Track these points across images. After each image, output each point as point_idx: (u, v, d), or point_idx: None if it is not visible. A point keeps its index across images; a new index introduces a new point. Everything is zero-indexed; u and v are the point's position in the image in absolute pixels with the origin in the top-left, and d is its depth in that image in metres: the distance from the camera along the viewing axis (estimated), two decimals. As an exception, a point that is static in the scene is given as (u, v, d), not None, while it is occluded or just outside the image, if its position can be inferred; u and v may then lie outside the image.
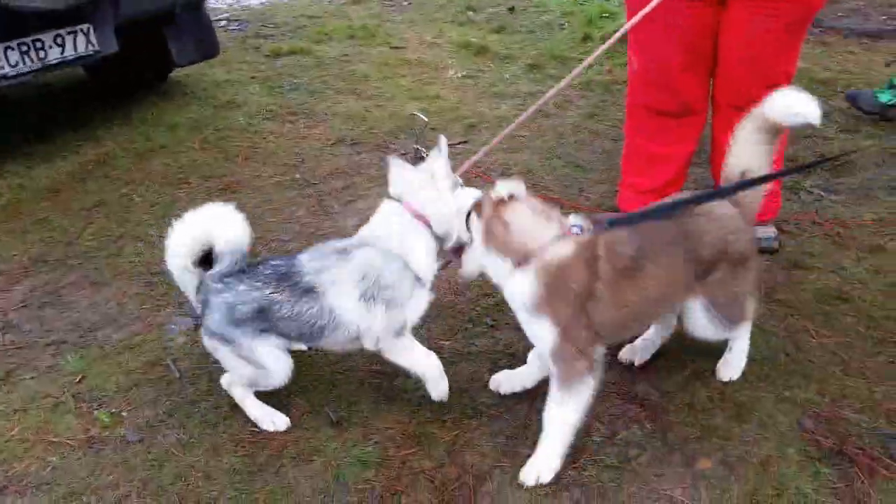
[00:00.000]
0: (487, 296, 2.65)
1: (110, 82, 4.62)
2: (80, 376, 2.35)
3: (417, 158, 3.63)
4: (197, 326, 2.55)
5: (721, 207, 2.07)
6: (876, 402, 2.13)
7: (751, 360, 2.26)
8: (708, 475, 1.92)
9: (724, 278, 2.04)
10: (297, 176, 3.64)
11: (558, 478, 1.93)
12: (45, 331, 2.58)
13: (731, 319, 2.12)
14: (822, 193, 3.31)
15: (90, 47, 3.59)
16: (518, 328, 2.21)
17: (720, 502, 1.85)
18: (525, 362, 2.23)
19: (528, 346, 2.16)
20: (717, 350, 2.26)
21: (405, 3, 6.89)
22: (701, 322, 2.09)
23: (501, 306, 2.59)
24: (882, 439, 2.00)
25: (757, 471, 1.93)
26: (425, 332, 2.48)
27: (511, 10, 6.51)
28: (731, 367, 2.24)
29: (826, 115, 3.98)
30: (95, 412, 2.20)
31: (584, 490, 1.91)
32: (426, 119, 3.87)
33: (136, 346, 2.49)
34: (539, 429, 2.00)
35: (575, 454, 1.99)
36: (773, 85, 2.63)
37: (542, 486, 1.91)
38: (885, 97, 3.98)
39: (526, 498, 1.89)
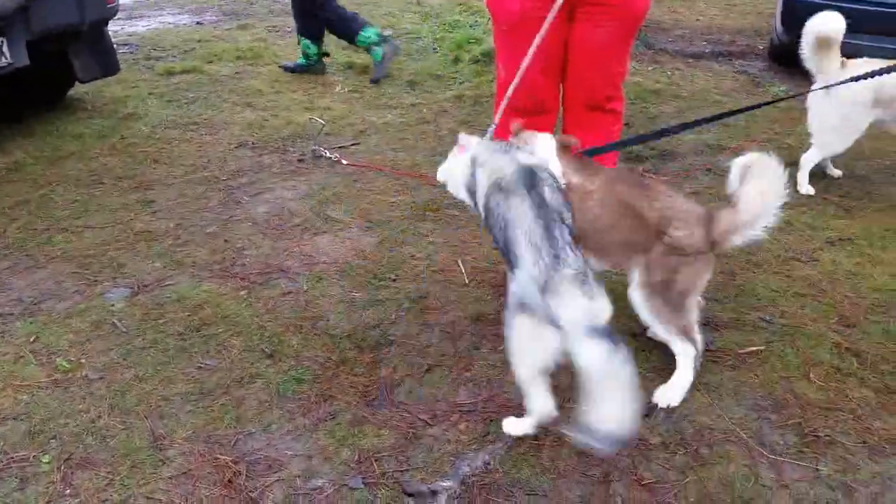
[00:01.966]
0: (391, 255, 3.17)
1: (5, 99, 4.78)
2: (33, 337, 2.65)
3: (316, 157, 4.16)
4: (134, 294, 2.91)
5: (689, 203, 2.42)
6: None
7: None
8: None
9: (666, 262, 2.31)
10: (206, 174, 4.02)
11: (455, 378, 2.46)
12: (-11, 306, 2.86)
13: (666, 315, 2.34)
14: (653, 175, 4.08)
15: (3, 59, 3.84)
16: (415, 280, 2.74)
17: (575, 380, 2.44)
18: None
19: (424, 295, 2.69)
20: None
21: (288, 30, 7.34)
22: (637, 295, 2.37)
23: (401, 265, 3.12)
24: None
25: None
26: (339, 287, 2.97)
27: (384, 39, 7.10)
28: (669, 391, 2.36)
29: (656, 117, 4.84)
30: (56, 361, 2.52)
31: (476, 382, 2.45)
32: (323, 122, 4.37)
33: (80, 312, 2.80)
34: (441, 351, 2.55)
35: (468, 361, 2.53)
36: (614, 83, 3.35)
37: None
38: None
39: (427, 391, 2.40)
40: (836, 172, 4.10)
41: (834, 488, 2.05)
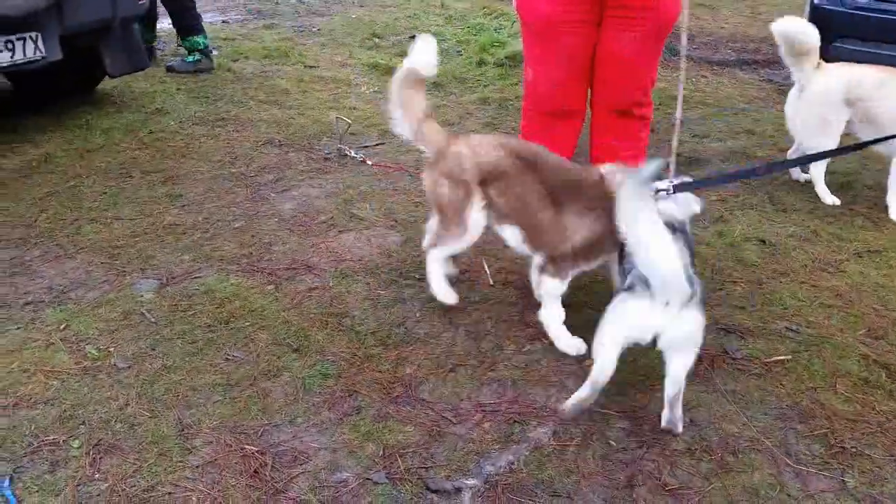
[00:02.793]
0: (416, 255, 3.18)
1: (35, 92, 4.85)
2: (63, 325, 2.68)
3: (342, 156, 4.19)
4: (163, 285, 2.95)
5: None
6: (714, 321, 2.80)
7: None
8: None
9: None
10: (233, 170, 4.06)
11: (478, 378, 2.47)
12: (20, 293, 2.88)
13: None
14: (678, 182, 4.06)
15: (38, 53, 3.90)
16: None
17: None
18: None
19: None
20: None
21: (314, 29, 7.41)
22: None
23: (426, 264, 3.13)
24: (720, 342, 2.67)
25: (629, 365, 2.52)
26: (364, 284, 2.98)
27: (413, 38, 7.14)
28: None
29: (680, 124, 4.82)
30: (85, 349, 2.55)
31: (500, 383, 2.45)
32: (349, 121, 4.40)
33: (109, 302, 2.84)
34: (465, 351, 2.56)
35: (492, 361, 2.54)
36: (644, 88, 3.35)
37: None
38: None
39: (450, 390, 2.41)
40: (804, 177, 4.11)
41: (860, 500, 2.04)
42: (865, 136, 3.75)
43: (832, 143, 3.81)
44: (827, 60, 3.94)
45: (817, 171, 3.91)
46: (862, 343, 2.69)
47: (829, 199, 3.86)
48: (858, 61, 3.84)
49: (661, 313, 2.12)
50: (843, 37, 5.47)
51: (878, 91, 3.66)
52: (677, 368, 2.21)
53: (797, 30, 3.76)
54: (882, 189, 3.87)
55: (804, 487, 2.08)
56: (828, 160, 3.87)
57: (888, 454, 2.19)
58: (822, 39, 5.80)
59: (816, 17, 5.75)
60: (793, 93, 3.91)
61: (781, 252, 3.31)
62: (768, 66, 6.70)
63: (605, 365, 2.21)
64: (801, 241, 3.42)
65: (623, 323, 2.21)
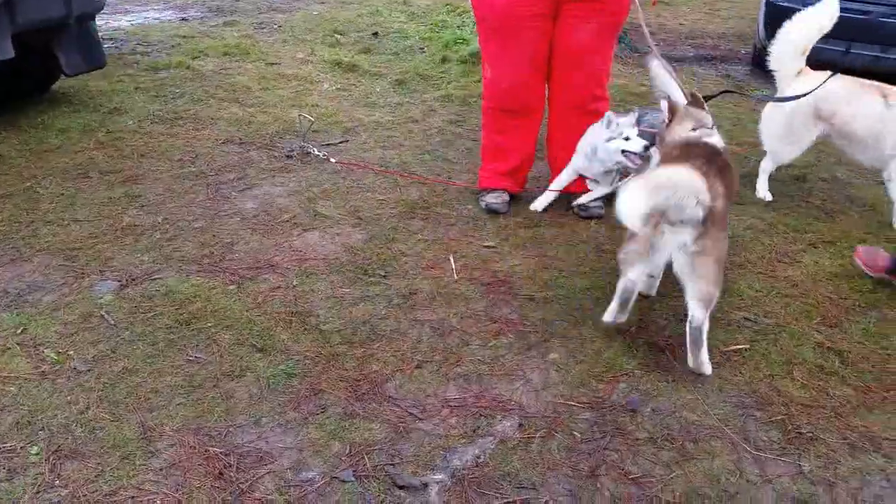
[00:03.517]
0: (381, 252, 3.18)
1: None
2: (20, 329, 2.63)
3: (305, 153, 4.16)
4: (122, 287, 2.90)
5: None
6: (673, 311, 2.85)
7: (584, 287, 2.95)
8: (557, 362, 2.55)
9: None
10: (193, 169, 4.01)
11: (444, 373, 2.48)
12: (-26, 298, 2.83)
13: None
14: (639, 176, 4.12)
15: (-11, 51, 3.81)
16: (405, 276, 2.78)
17: (565, 378, 2.47)
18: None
19: (414, 292, 2.71)
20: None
21: (275, 26, 7.35)
22: None
23: (391, 261, 3.13)
24: (681, 332, 2.71)
25: (592, 357, 2.57)
26: (329, 283, 2.97)
27: (375, 34, 7.13)
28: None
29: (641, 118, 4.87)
30: (44, 353, 2.51)
31: (466, 378, 2.47)
32: (312, 119, 4.37)
33: (68, 304, 2.79)
34: (430, 347, 2.58)
35: (458, 357, 2.56)
36: (599, 82, 3.40)
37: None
38: None
39: (416, 386, 2.42)
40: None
41: (815, 483, 2.09)
42: (848, 152, 3.70)
43: (792, 155, 3.80)
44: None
45: (764, 165, 3.91)
46: (817, 331, 2.76)
47: (762, 193, 3.89)
48: (812, 58, 3.87)
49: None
50: (797, 32, 5.59)
51: (848, 106, 3.56)
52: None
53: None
54: (837, 182, 3.96)
55: (762, 473, 2.13)
56: (783, 162, 3.88)
57: (842, 438, 2.25)
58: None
59: (771, 13, 5.88)
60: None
61: (739, 244, 3.38)
62: (726, 62, 6.82)
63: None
64: (757, 233, 3.50)
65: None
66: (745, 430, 2.28)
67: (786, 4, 5.68)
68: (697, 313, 2.44)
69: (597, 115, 3.51)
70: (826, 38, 3.69)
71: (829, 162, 4.27)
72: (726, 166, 2.68)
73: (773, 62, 3.75)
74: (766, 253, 3.32)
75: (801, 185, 4.08)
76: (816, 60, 3.75)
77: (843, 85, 3.57)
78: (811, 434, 2.26)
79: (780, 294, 3.00)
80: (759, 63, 6.54)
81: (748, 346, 2.66)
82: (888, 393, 2.45)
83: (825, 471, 2.13)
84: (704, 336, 2.47)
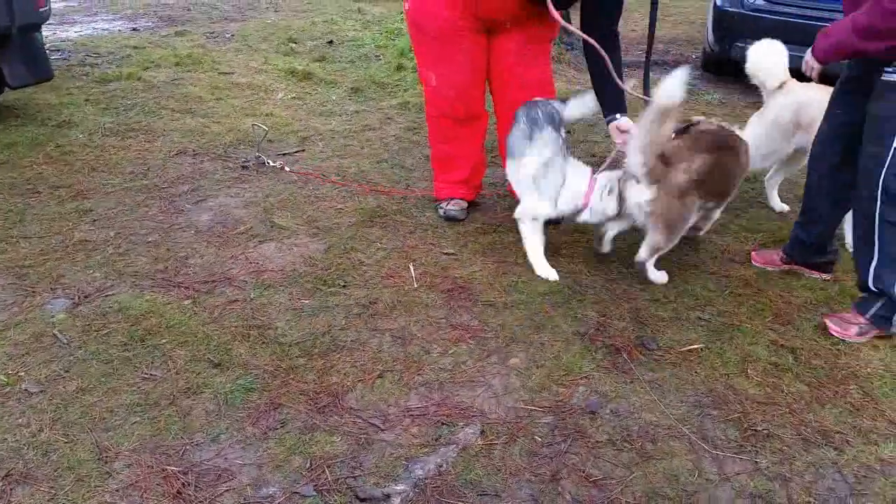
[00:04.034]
0: (339, 262, 3.16)
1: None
2: (-33, 351, 2.56)
3: (260, 164, 4.13)
4: (75, 305, 2.84)
5: None
6: (630, 313, 2.89)
7: (543, 291, 2.98)
8: (517, 367, 2.56)
9: None
10: (146, 182, 3.94)
11: (406, 382, 2.47)
12: (-82, 320, 2.74)
13: None
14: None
15: (-73, 64, 3.70)
16: (364, 286, 2.77)
17: (526, 383, 2.49)
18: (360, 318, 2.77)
19: (374, 301, 2.70)
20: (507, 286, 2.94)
21: (228, 35, 7.27)
22: None
23: (350, 271, 3.12)
24: (636, 336, 2.75)
25: (552, 361, 2.59)
26: (287, 294, 2.95)
27: (330, 43, 7.11)
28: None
29: (595, 125, 4.96)
30: (-8, 375, 2.44)
31: (428, 386, 2.47)
32: (266, 128, 4.34)
33: (18, 324, 2.71)
34: (391, 356, 2.57)
35: (419, 365, 2.55)
36: (540, 84, 3.45)
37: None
38: None
39: (378, 397, 2.41)
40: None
41: (772, 479, 2.14)
42: None
43: (764, 164, 3.70)
44: (728, 61, 4.08)
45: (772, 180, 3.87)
46: (770, 329, 2.82)
47: (777, 207, 3.87)
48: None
49: None
50: (743, 37, 5.74)
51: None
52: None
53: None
54: (786, 182, 4.05)
55: (720, 471, 2.16)
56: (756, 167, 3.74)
57: (796, 433, 2.30)
58: (725, 41, 6.07)
59: (719, 19, 6.02)
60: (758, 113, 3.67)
61: (693, 245, 3.44)
62: (676, 67, 6.93)
63: None
64: (710, 234, 3.56)
65: None
66: (703, 429, 2.32)
67: (732, 10, 5.82)
68: (642, 253, 3.06)
69: None
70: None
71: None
72: (713, 154, 2.95)
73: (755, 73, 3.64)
74: (718, 253, 3.39)
75: (752, 185, 4.17)
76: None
77: (824, 94, 3.39)
78: (767, 431, 2.31)
79: (734, 293, 3.06)
80: (707, 67, 6.69)
81: (704, 346, 2.70)
82: (839, 388, 2.51)
83: (781, 466, 2.18)
84: (647, 270, 3.10)
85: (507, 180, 3.76)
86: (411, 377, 2.51)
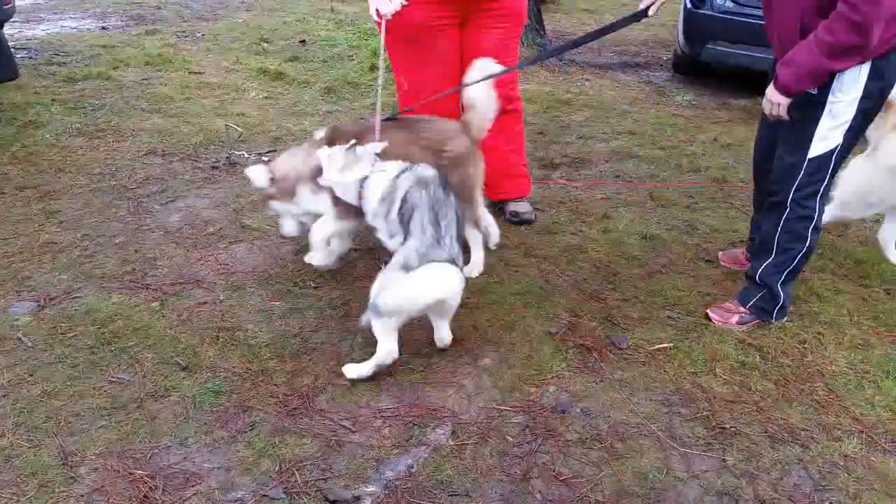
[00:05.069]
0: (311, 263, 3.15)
1: None
2: (-73, 355, 2.51)
3: (231, 164, 4.09)
4: (40, 307, 2.79)
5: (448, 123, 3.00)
6: (601, 313, 2.91)
7: (514, 291, 2.99)
8: (488, 367, 2.57)
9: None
10: (114, 183, 3.88)
11: (377, 384, 2.47)
12: None
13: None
14: (566, 181, 4.20)
15: None
16: (336, 288, 2.76)
17: (497, 383, 2.49)
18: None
19: (345, 302, 2.69)
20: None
21: (199, 35, 7.20)
22: None
23: (321, 272, 3.10)
24: (606, 335, 2.77)
25: (523, 361, 2.60)
26: (258, 296, 2.92)
27: (303, 42, 7.07)
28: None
29: (567, 126, 4.99)
30: (-46, 379, 2.39)
31: (399, 387, 2.46)
32: (240, 130, 4.30)
33: (-19, 328, 2.67)
34: (363, 357, 2.56)
35: (390, 367, 2.54)
36: (511, 82, 3.46)
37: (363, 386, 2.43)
38: None
39: (349, 398, 2.40)
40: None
41: (739, 477, 2.16)
42: None
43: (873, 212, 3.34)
44: (700, 63, 4.08)
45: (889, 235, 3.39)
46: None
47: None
48: (724, 63, 3.82)
49: None
50: (713, 39, 5.81)
51: None
52: None
53: None
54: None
55: (689, 468, 2.19)
56: None
57: (763, 431, 2.33)
58: (695, 43, 6.14)
59: (689, 21, 6.08)
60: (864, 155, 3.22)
61: (662, 245, 3.47)
62: (648, 69, 7.00)
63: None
64: (680, 234, 3.60)
65: None
66: (671, 427, 2.34)
67: (702, 12, 5.88)
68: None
69: (517, 114, 3.58)
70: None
71: (748, 164, 4.42)
72: None
73: None
74: (687, 252, 3.42)
75: (720, 184, 4.22)
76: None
77: None
78: (734, 428, 2.34)
79: (702, 293, 3.09)
80: (678, 69, 6.76)
81: (672, 345, 2.73)
82: (805, 385, 2.55)
83: (748, 463, 2.21)
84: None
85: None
86: (382, 378, 2.50)
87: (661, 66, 7.13)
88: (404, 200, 2.53)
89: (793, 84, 2.45)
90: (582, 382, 2.51)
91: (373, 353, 2.52)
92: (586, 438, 2.27)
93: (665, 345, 2.73)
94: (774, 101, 2.52)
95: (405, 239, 2.50)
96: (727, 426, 2.35)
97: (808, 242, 2.72)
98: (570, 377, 2.53)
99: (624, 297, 3.03)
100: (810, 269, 3.25)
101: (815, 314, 2.96)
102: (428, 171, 2.62)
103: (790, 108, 2.54)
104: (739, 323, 2.84)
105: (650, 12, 2.98)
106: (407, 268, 2.40)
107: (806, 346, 2.77)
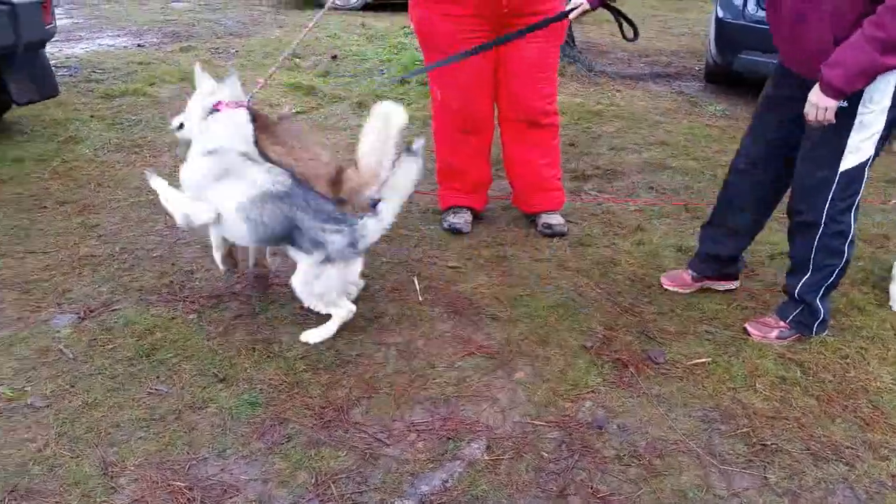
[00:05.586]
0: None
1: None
2: (-27, 366, 2.56)
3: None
4: (80, 320, 2.84)
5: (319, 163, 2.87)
6: (637, 327, 2.88)
7: (548, 305, 2.97)
8: (523, 381, 2.55)
9: None
10: (151, 197, 3.93)
11: (411, 397, 2.47)
12: (-76, 335, 2.74)
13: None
14: (598, 193, 4.17)
15: (-65, 81, 3.72)
16: (369, 300, 2.76)
17: (532, 397, 2.48)
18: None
19: (378, 315, 2.69)
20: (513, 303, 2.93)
21: (233, 51, 7.31)
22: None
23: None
24: (643, 350, 2.74)
25: (558, 375, 2.58)
26: (292, 309, 2.94)
27: (334, 58, 7.15)
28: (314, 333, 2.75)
29: (598, 137, 4.97)
30: (-2, 390, 2.44)
31: (433, 400, 2.46)
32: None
33: (24, 339, 2.71)
34: (396, 370, 2.56)
35: (424, 380, 2.54)
36: (547, 97, 3.45)
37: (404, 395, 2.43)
38: None
39: (383, 411, 2.40)
40: None
41: (781, 495, 2.12)
42: None
43: None
44: (732, 73, 4.08)
45: None
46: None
47: None
48: (757, 73, 3.82)
49: None
50: (746, 49, 5.75)
51: None
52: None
53: None
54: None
55: (729, 486, 2.15)
56: None
57: (805, 448, 2.29)
58: (727, 52, 6.09)
59: (721, 30, 6.03)
60: None
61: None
62: (679, 79, 6.96)
63: None
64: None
65: None
66: (711, 443, 2.30)
67: (734, 22, 5.83)
68: None
69: (553, 129, 3.57)
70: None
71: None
72: None
73: None
74: (724, 266, 3.37)
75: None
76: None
77: None
78: (775, 445, 2.30)
79: (740, 307, 3.05)
80: (711, 79, 6.70)
81: (710, 360, 2.69)
82: (848, 402, 2.49)
83: (790, 482, 2.16)
84: None
85: (511, 192, 3.78)
86: (416, 392, 2.50)
87: (693, 76, 7.08)
88: None
89: (844, 85, 2.34)
90: (618, 397, 2.48)
91: (407, 367, 2.52)
92: (624, 455, 2.24)
93: (703, 360, 2.69)
94: (822, 104, 2.41)
95: None
96: (768, 443, 2.31)
97: (845, 257, 2.68)
98: (607, 392, 2.51)
99: (660, 311, 3.00)
100: (851, 282, 3.19)
101: (857, 328, 2.91)
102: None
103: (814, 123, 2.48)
104: (779, 338, 2.79)
105: (571, 16, 3.05)
106: None
107: (848, 361, 2.71)
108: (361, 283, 2.95)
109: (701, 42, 8.00)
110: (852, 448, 2.29)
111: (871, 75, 2.35)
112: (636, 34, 3.16)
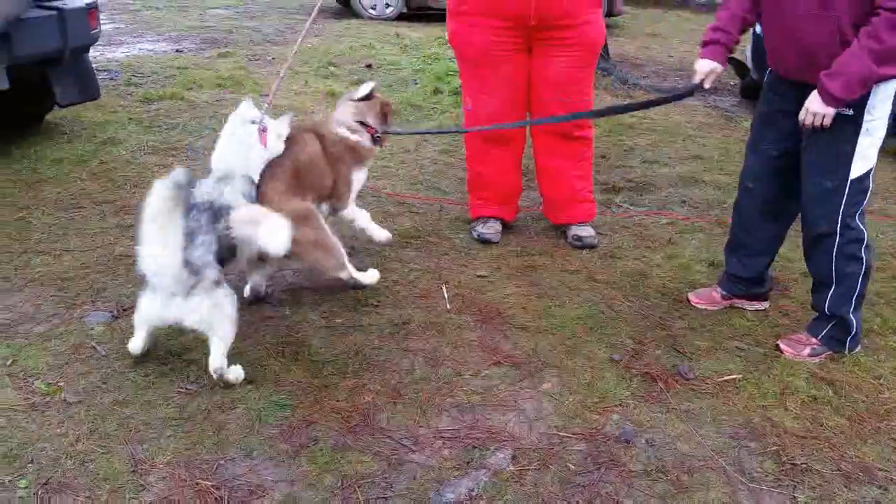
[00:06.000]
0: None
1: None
2: (10, 360, 2.60)
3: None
4: (114, 318, 2.89)
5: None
6: (667, 341, 2.86)
7: (576, 316, 2.96)
8: (550, 392, 2.54)
9: None
10: (187, 200, 4.00)
11: (437, 404, 2.47)
12: (-36, 329, 2.81)
13: None
14: (630, 206, 4.15)
15: (-16, 83, 3.83)
16: (397, 306, 2.78)
17: (559, 409, 2.47)
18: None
19: (406, 321, 2.71)
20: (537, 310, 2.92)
21: (269, 59, 7.42)
22: None
23: (384, 291, 3.13)
24: (672, 364, 2.72)
25: (585, 388, 2.57)
26: (321, 312, 2.97)
27: (369, 66, 7.21)
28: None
29: (631, 150, 4.95)
30: (34, 384, 2.48)
31: (459, 408, 2.46)
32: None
33: (59, 335, 2.76)
34: (423, 377, 2.57)
35: (450, 387, 2.55)
36: (579, 110, 3.43)
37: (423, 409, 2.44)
38: None
39: (409, 417, 2.40)
40: None
41: (811, 515, 2.08)
42: None
43: None
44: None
45: None
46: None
47: None
48: None
49: (168, 305, 2.44)
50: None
51: None
52: (213, 347, 2.49)
53: None
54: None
55: (757, 504, 2.12)
56: None
57: (836, 468, 2.25)
58: (764, 68, 6.01)
59: (758, 47, 5.97)
60: None
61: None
62: (714, 93, 6.90)
63: (134, 343, 2.60)
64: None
65: (140, 315, 2.55)
66: (740, 461, 2.27)
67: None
68: None
69: (587, 142, 3.56)
70: None
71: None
72: None
73: None
74: (757, 282, 3.33)
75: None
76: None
77: None
78: (805, 465, 2.26)
79: (772, 323, 3.01)
80: (746, 95, 6.64)
81: (741, 376, 2.66)
82: (881, 423, 2.45)
83: (820, 502, 2.13)
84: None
85: (541, 203, 3.78)
86: (443, 399, 2.50)
87: (729, 91, 7.02)
88: None
89: (843, 93, 2.41)
90: (647, 412, 2.46)
91: (434, 374, 2.52)
92: (651, 470, 2.22)
93: (734, 376, 2.66)
94: (821, 111, 2.46)
95: None
96: (798, 462, 2.27)
97: (865, 261, 2.67)
98: (635, 406, 2.49)
99: (690, 326, 2.97)
100: (884, 300, 3.14)
101: (891, 348, 2.86)
102: None
103: (820, 132, 2.51)
104: (811, 355, 2.75)
105: (706, 85, 3.00)
106: None
107: (882, 381, 2.66)
108: None
109: (740, 57, 7.93)
110: (885, 470, 2.24)
111: (868, 84, 2.41)
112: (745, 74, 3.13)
